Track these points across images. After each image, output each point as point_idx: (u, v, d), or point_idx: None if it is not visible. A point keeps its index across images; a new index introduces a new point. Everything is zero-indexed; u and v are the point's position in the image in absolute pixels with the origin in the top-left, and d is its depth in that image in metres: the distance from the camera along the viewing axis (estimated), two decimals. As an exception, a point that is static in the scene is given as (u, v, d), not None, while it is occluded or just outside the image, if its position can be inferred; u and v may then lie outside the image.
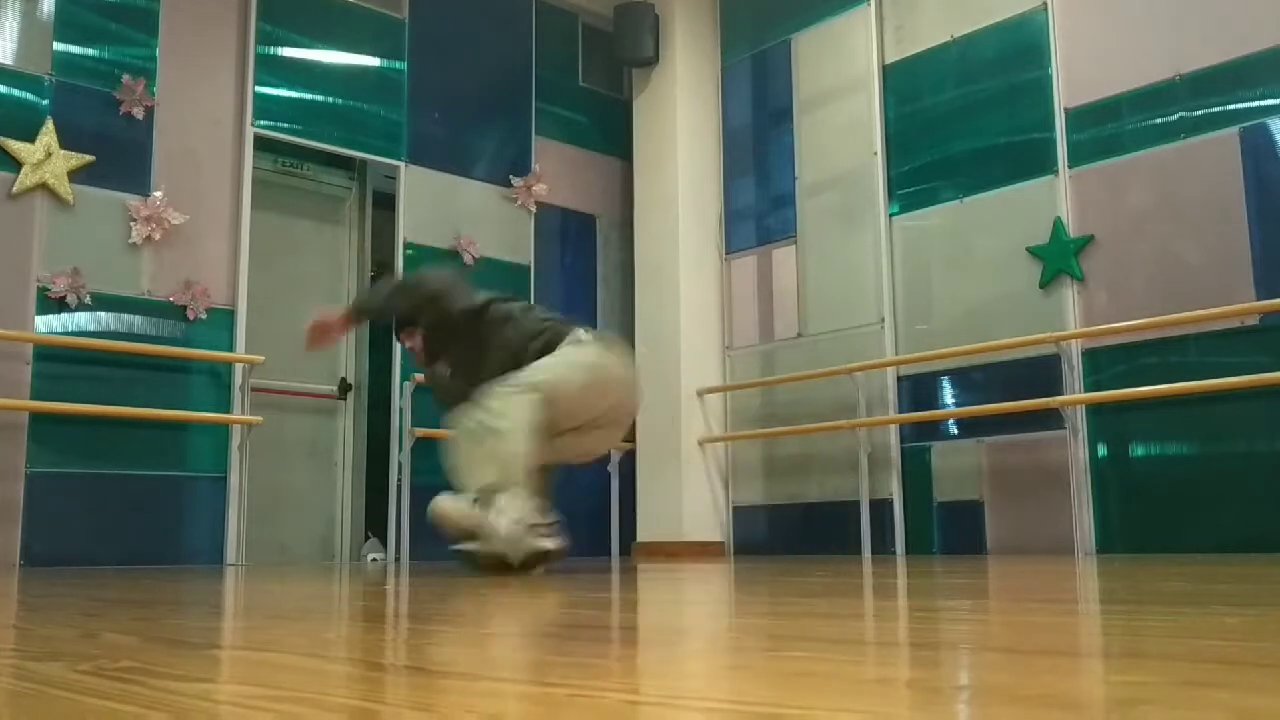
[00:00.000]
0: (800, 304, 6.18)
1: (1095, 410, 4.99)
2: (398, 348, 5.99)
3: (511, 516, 3.17)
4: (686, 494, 6.27)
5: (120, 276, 5.13)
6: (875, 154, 5.91)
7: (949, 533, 5.45)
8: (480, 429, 3.26)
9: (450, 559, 3.45)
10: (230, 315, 5.41)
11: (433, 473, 5.96)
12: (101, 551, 4.74)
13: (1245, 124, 4.66)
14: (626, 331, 6.83)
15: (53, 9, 5.09)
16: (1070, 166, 5.17)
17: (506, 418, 3.22)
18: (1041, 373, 5.11)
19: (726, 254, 6.60)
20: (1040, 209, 5.24)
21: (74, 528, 4.81)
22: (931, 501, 5.53)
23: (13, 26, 5.00)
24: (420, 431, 5.83)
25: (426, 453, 5.93)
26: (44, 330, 4.91)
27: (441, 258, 6.23)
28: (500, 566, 3.19)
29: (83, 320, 5.01)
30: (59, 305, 4.94)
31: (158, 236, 5.22)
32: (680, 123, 6.60)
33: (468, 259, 6.32)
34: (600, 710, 0.77)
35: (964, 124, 5.60)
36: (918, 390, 5.66)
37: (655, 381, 6.48)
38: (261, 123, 5.64)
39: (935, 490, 5.52)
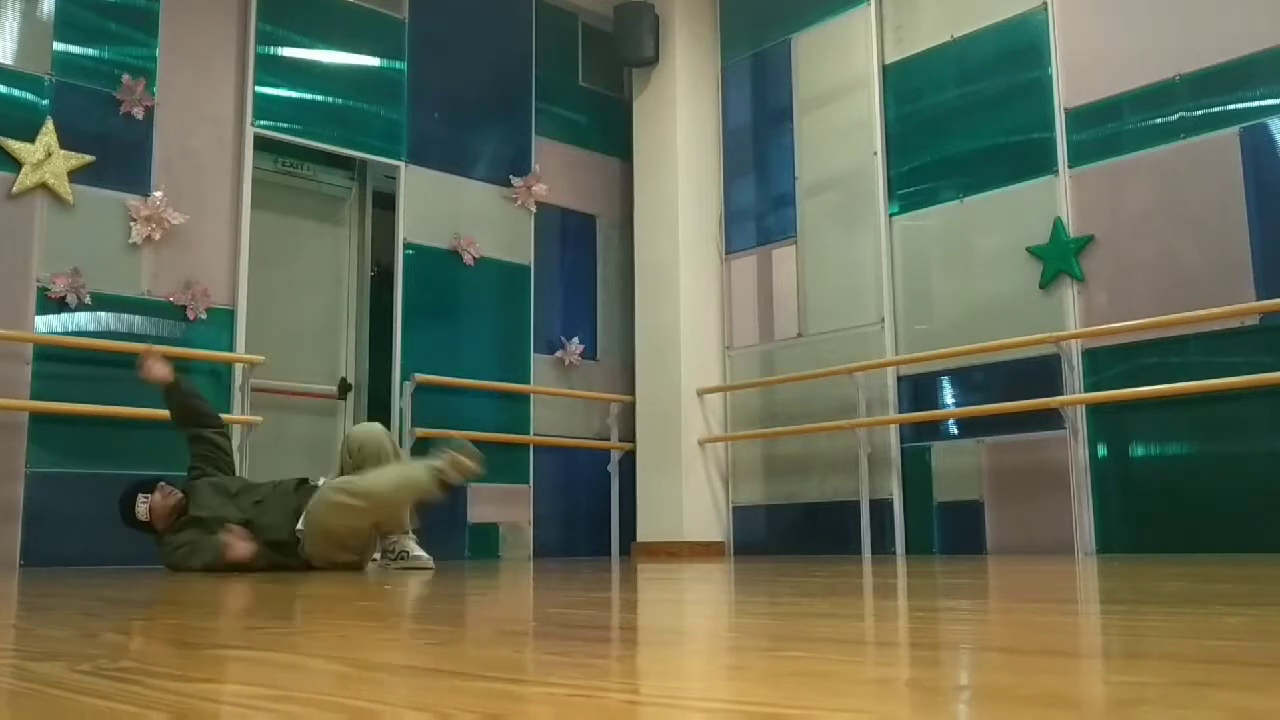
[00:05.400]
0: (800, 304, 6.18)
1: (1095, 410, 4.99)
2: (398, 348, 6.00)
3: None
4: (686, 494, 6.27)
5: (120, 276, 5.13)
6: (875, 154, 5.91)
7: (949, 533, 5.45)
8: None
9: (447, 560, 3.46)
10: (230, 315, 5.41)
11: (433, 473, 5.97)
12: (101, 551, 4.73)
13: (1245, 124, 4.66)
14: (627, 331, 6.84)
15: (53, 9, 5.09)
16: (1070, 166, 5.17)
17: None
18: (1041, 373, 5.11)
19: (726, 254, 6.59)
20: (1040, 209, 5.24)
21: (74, 528, 4.80)
22: (931, 501, 5.53)
23: (13, 26, 5.00)
24: (420, 431, 5.83)
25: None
26: (44, 330, 4.91)
27: (441, 257, 6.23)
28: None
29: (83, 320, 5.01)
30: (59, 305, 4.94)
31: (158, 236, 5.21)
32: (680, 123, 6.59)
33: (468, 259, 6.32)
34: (600, 710, 0.77)
35: (964, 124, 5.60)
36: (918, 390, 5.66)
37: (655, 381, 6.50)
38: (261, 123, 5.64)
39: (935, 490, 5.52)
